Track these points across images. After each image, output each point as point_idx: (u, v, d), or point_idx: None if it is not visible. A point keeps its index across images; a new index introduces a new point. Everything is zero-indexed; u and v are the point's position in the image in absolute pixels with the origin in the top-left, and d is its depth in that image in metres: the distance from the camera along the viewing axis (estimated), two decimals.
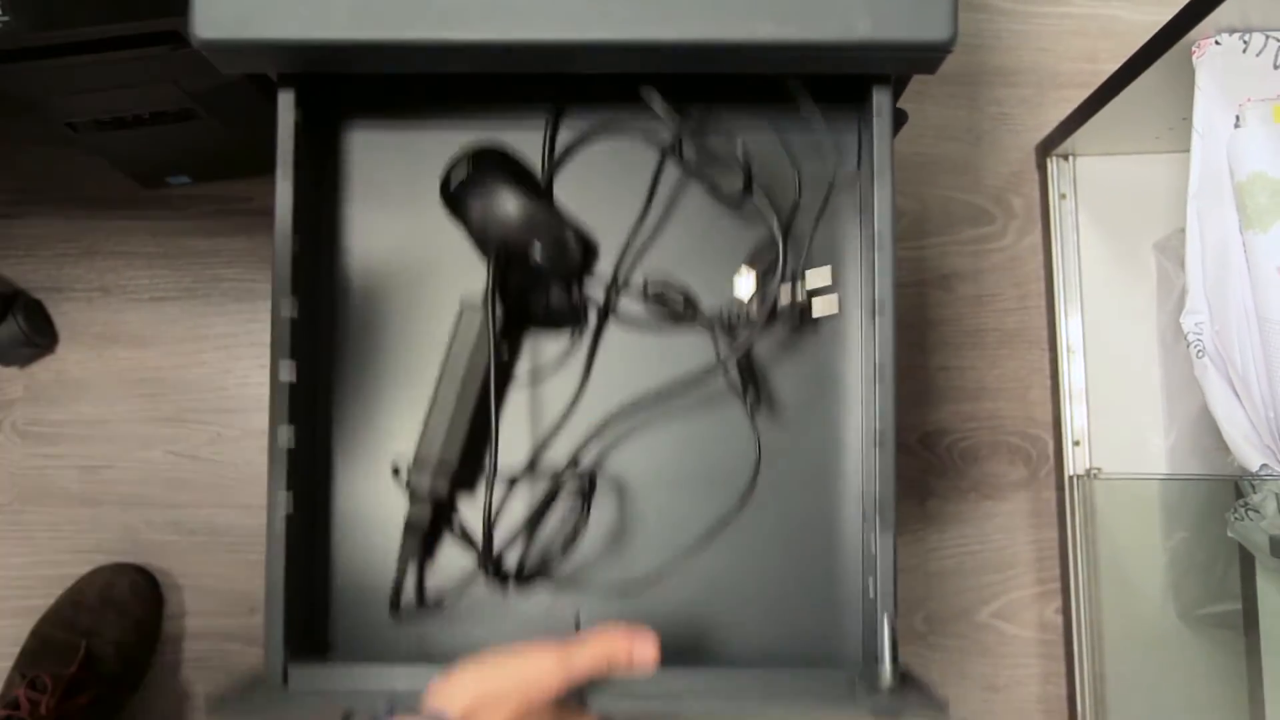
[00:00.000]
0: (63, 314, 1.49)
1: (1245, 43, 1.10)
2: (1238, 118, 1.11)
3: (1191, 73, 1.12)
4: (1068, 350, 1.47)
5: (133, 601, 1.40)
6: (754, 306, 0.89)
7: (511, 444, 0.93)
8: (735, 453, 0.93)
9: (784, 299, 0.88)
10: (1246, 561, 1.18)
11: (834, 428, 0.93)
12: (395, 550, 0.91)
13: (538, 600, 0.92)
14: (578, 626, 0.92)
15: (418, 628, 0.92)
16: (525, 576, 0.91)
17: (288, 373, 0.85)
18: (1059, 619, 1.48)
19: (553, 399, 0.94)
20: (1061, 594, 1.47)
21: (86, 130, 1.27)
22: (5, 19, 1.00)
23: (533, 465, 0.93)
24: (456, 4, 0.80)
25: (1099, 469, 1.43)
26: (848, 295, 0.94)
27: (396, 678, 0.85)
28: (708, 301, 0.93)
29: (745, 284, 0.90)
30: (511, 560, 0.92)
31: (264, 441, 1.43)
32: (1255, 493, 1.12)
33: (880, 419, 0.86)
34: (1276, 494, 1.10)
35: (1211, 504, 1.26)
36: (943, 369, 1.50)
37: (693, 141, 0.93)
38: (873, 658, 0.86)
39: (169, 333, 1.48)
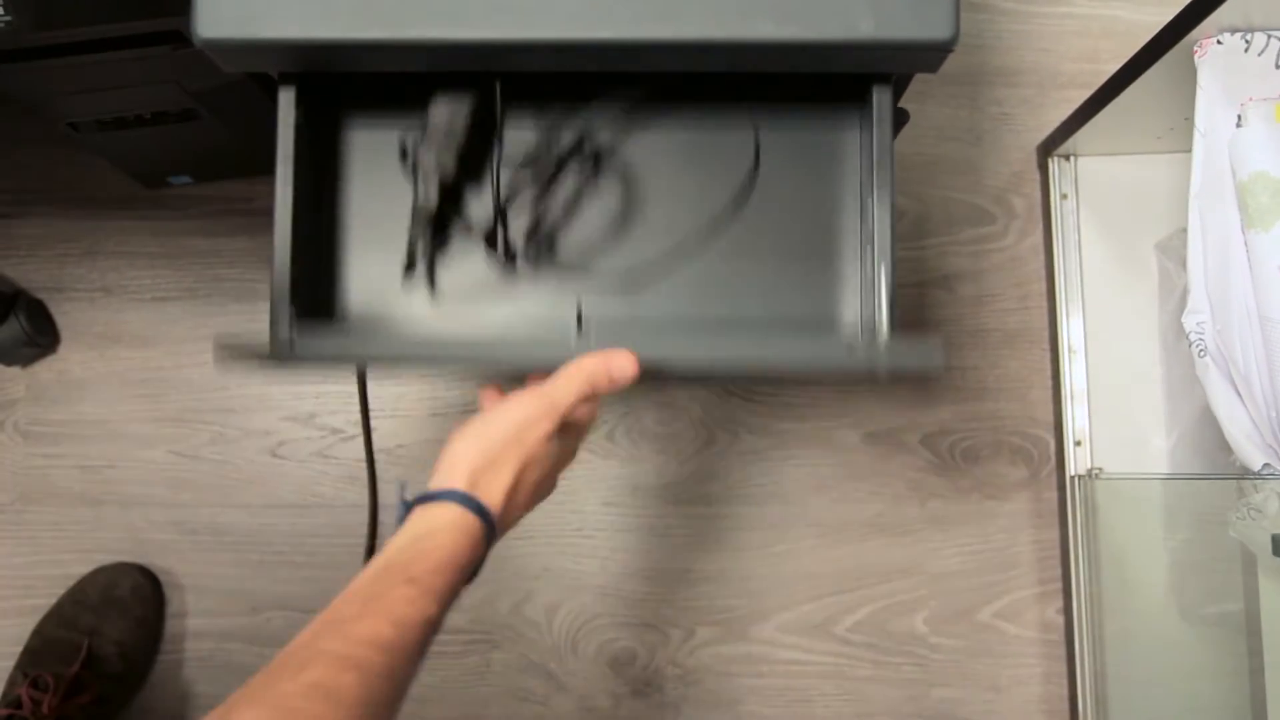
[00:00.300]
0: (64, 314, 1.49)
1: (1247, 42, 1.10)
2: (1239, 117, 1.11)
3: (1193, 72, 1.11)
4: (1069, 350, 1.47)
5: (134, 601, 1.40)
6: None
7: (518, 134, 0.95)
8: (737, 142, 0.95)
9: None
10: (1248, 561, 1.17)
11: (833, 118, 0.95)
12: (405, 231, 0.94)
13: (544, 287, 0.95)
14: (579, 317, 0.94)
15: (427, 309, 0.95)
16: (533, 257, 0.93)
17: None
18: (1060, 619, 1.48)
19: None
20: (1063, 594, 1.47)
21: (88, 130, 1.27)
22: (7, 19, 1.00)
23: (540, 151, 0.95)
24: (457, 3, 0.80)
25: (1100, 469, 1.43)
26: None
27: (403, 344, 0.90)
28: None
29: None
30: (520, 249, 0.95)
31: (265, 442, 1.46)
32: (1257, 492, 1.12)
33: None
34: (1278, 493, 1.10)
35: (1213, 504, 1.26)
36: (944, 369, 1.50)
37: None
38: (871, 323, 0.87)
39: (170, 333, 1.48)
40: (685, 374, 1.12)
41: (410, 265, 0.93)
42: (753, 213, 0.95)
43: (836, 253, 0.94)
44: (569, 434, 0.88)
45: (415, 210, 0.92)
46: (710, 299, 0.95)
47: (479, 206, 0.95)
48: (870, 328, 0.89)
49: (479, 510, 0.79)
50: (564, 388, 0.83)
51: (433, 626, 0.74)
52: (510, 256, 0.93)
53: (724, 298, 0.95)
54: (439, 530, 0.77)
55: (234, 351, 0.85)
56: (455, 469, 0.80)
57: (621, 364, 0.83)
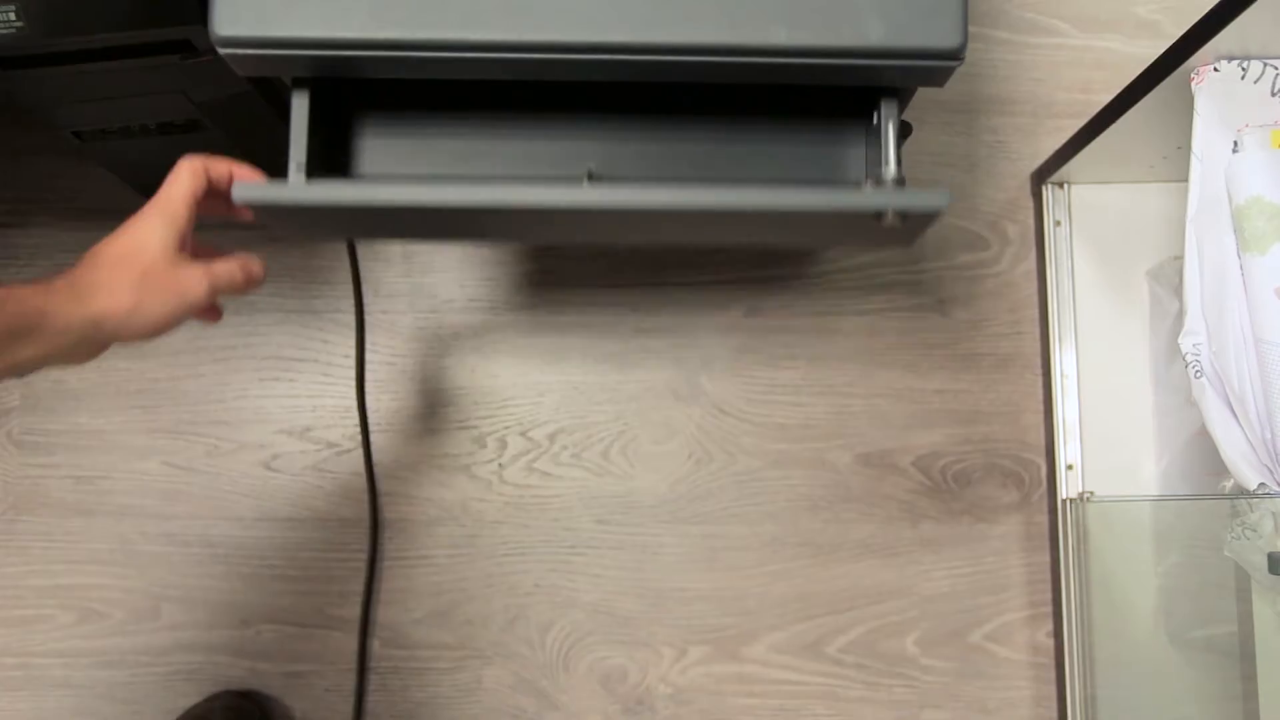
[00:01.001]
0: None
1: (1244, 70, 1.12)
2: (1236, 143, 1.13)
3: (1187, 102, 1.13)
4: (1061, 375, 1.48)
5: None
6: None
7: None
8: None
9: None
10: (1241, 583, 1.18)
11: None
12: None
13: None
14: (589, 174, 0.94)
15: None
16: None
17: None
18: (1051, 642, 1.48)
19: None
20: (1053, 617, 1.48)
21: (93, 139, 1.27)
22: (20, 25, 1.00)
23: None
24: (475, 4, 0.81)
25: (1091, 493, 1.44)
26: None
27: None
28: None
29: None
30: None
31: (259, 455, 1.46)
32: (1252, 511, 1.12)
33: None
34: (1274, 513, 1.10)
35: (1204, 527, 1.27)
36: (938, 392, 1.51)
37: None
38: (877, 163, 0.87)
39: (167, 344, 1.48)
40: (689, 235, 1.09)
41: None
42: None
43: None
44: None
45: None
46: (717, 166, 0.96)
47: None
48: (877, 175, 0.90)
49: None
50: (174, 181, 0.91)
51: None
52: None
53: (731, 165, 0.96)
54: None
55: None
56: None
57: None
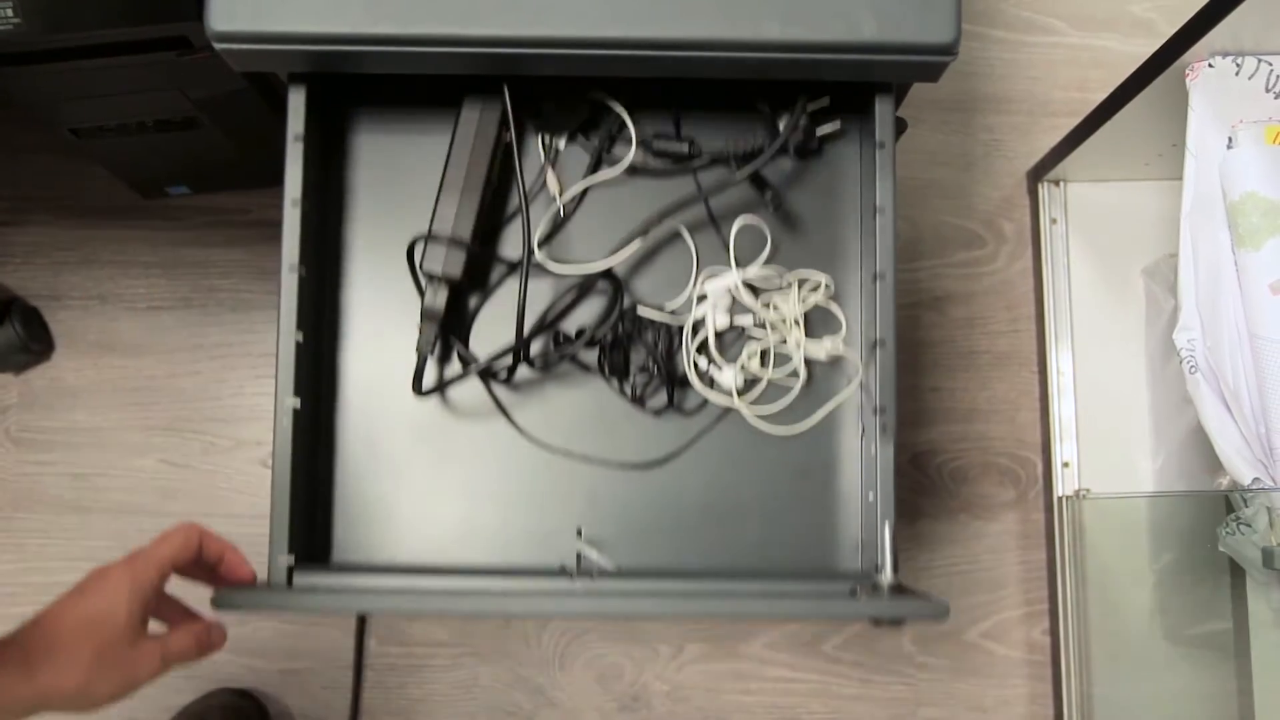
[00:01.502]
0: (59, 322, 1.49)
1: (1238, 66, 1.12)
2: (1230, 139, 1.13)
3: (1182, 99, 1.14)
4: (1057, 373, 1.48)
5: None
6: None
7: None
8: None
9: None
10: (1237, 578, 1.18)
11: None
12: (397, 459, 0.94)
13: (550, 453, 0.94)
14: (578, 560, 0.93)
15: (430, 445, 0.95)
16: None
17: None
18: (1047, 640, 1.48)
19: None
20: (1049, 615, 1.48)
21: (90, 137, 1.27)
22: (17, 21, 1.00)
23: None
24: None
25: (1088, 490, 1.44)
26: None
27: (399, 581, 0.90)
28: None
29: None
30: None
31: (256, 452, 1.46)
32: (1247, 506, 1.13)
33: (880, 322, 0.89)
34: (1268, 507, 1.11)
35: (1199, 524, 1.27)
36: (934, 390, 1.51)
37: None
38: (873, 567, 0.87)
39: (164, 342, 1.48)
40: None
41: (418, 383, 0.94)
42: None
43: (837, 492, 0.95)
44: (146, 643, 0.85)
45: (423, 313, 0.93)
46: (711, 512, 0.95)
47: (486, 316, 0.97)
48: (872, 573, 0.90)
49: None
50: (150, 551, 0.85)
51: None
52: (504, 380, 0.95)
53: (724, 510, 0.95)
54: None
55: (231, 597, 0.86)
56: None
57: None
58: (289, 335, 0.88)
